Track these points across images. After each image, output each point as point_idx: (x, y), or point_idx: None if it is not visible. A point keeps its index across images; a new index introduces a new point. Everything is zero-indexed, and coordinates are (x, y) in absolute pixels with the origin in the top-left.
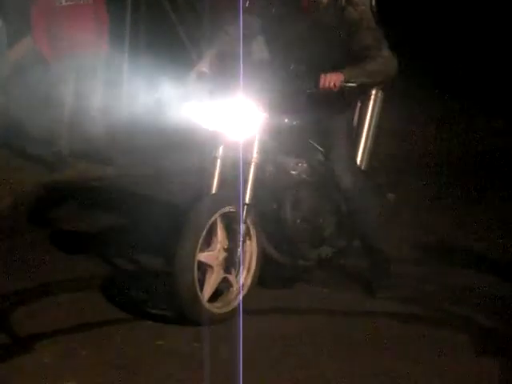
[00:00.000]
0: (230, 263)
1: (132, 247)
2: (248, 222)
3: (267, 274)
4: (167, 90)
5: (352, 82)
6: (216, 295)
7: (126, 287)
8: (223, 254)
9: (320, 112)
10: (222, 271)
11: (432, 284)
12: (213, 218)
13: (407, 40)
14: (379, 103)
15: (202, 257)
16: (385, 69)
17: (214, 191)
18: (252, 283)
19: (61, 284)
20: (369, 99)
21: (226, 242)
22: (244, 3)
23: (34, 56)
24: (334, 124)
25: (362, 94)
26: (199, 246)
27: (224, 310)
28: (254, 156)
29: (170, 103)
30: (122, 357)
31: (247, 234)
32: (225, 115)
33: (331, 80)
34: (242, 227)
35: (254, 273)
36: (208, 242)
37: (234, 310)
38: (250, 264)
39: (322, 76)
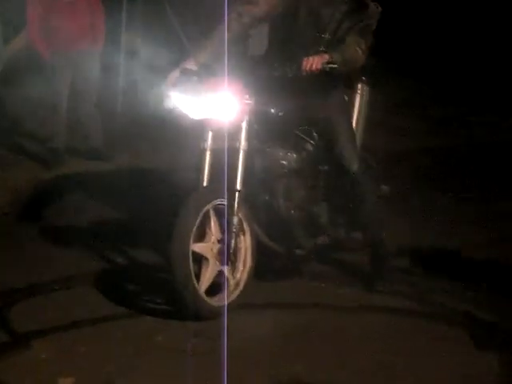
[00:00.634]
0: (225, 256)
1: (129, 243)
2: (241, 216)
3: (264, 267)
4: (162, 85)
5: (333, 63)
6: (214, 290)
7: (124, 282)
8: (217, 246)
9: (309, 98)
10: (217, 263)
11: (430, 279)
12: (205, 209)
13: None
14: (365, 97)
15: (197, 247)
16: (357, 60)
17: (205, 184)
18: (248, 278)
19: (58, 280)
20: (355, 94)
21: (220, 235)
22: None
23: (29, 52)
24: (331, 108)
25: (348, 87)
26: (192, 235)
27: (221, 303)
28: (243, 143)
29: (164, 98)
30: (120, 353)
31: (241, 229)
32: (211, 104)
33: (313, 62)
34: (235, 219)
35: (250, 268)
36: (202, 235)
37: (230, 305)
38: (245, 259)
39: (305, 59)
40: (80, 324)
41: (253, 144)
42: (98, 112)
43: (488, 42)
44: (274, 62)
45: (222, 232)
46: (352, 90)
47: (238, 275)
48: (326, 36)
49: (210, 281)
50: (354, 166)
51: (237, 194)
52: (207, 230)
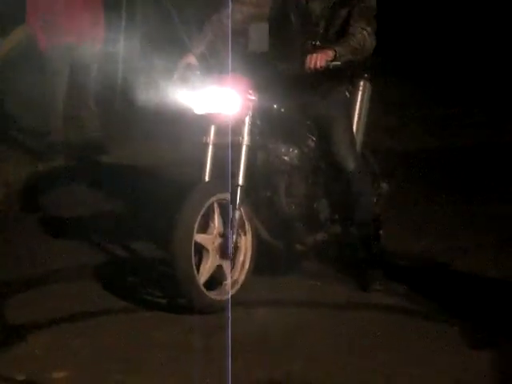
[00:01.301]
0: (225, 251)
1: (128, 236)
2: (242, 211)
3: (263, 263)
4: (161, 79)
5: (337, 60)
6: (213, 286)
7: (122, 276)
8: (219, 240)
9: (311, 95)
10: (217, 257)
11: (427, 278)
12: (210, 201)
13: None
14: (368, 94)
15: (199, 238)
16: (365, 47)
17: (207, 178)
18: (246, 279)
19: (54, 273)
20: (357, 90)
21: (222, 229)
22: None
23: (27, 46)
24: (331, 106)
25: (350, 83)
26: (196, 224)
27: (220, 297)
28: (245, 139)
29: (164, 91)
30: (115, 347)
31: (242, 227)
32: (214, 98)
33: (317, 59)
34: (237, 213)
35: (248, 269)
36: (205, 227)
37: (229, 301)
38: (244, 260)
39: (309, 56)
40: (76, 318)
41: (255, 140)
42: (97, 106)
43: (488, 41)
44: (277, 59)
45: (224, 227)
46: (354, 87)
47: (236, 275)
48: (320, 29)
49: (209, 273)
50: (351, 166)
51: (239, 189)
52: (210, 223)
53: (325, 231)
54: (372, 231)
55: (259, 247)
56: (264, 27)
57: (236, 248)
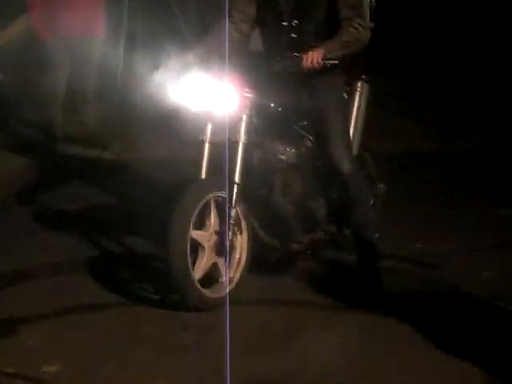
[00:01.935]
0: (221, 248)
1: (124, 231)
2: (238, 210)
3: (258, 261)
4: (160, 75)
5: (333, 59)
6: (208, 283)
7: (117, 271)
8: (215, 238)
9: (306, 94)
10: (213, 254)
11: (423, 280)
12: (207, 198)
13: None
14: (365, 95)
15: (195, 234)
16: (359, 38)
17: (203, 175)
18: (241, 277)
19: (48, 266)
20: (355, 92)
21: (218, 227)
22: None
23: (28, 36)
24: (326, 106)
25: (348, 84)
26: (192, 220)
27: (214, 295)
28: (242, 137)
29: (162, 89)
30: (106, 342)
31: (238, 226)
32: (211, 96)
33: (313, 57)
34: (233, 211)
35: (244, 267)
36: (201, 224)
37: (224, 298)
38: (240, 258)
39: (305, 55)
40: (68, 312)
41: (252, 138)
42: (97, 99)
43: (488, 44)
44: (273, 58)
45: (220, 225)
46: (352, 88)
47: (232, 273)
48: (294, 23)
49: (205, 271)
50: (346, 168)
51: (235, 186)
52: (206, 221)
53: (322, 230)
54: (368, 233)
55: (255, 246)
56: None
57: (232, 246)
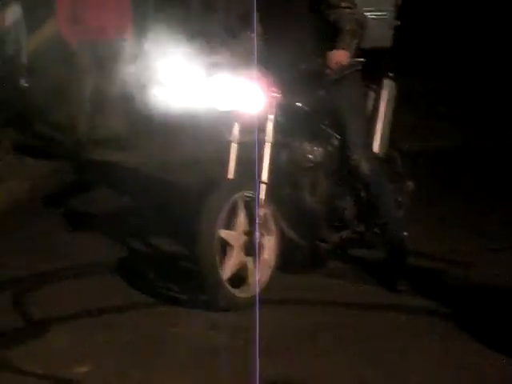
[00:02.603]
0: (250, 249)
1: (151, 232)
2: (268, 214)
3: (286, 261)
4: (187, 76)
5: (359, 59)
6: (237, 284)
7: (144, 271)
8: (243, 238)
9: (329, 93)
10: (242, 254)
11: (451, 279)
12: (235, 197)
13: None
14: (392, 94)
15: (223, 233)
16: (357, 20)
17: (231, 175)
18: (269, 278)
19: (76, 268)
20: (382, 89)
21: (247, 227)
22: None
23: (55, 42)
24: (344, 107)
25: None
26: (221, 218)
27: (242, 295)
28: (269, 136)
29: (189, 89)
30: (135, 343)
31: (267, 228)
32: (238, 96)
33: (339, 57)
34: (261, 211)
35: (272, 268)
36: (230, 224)
37: (252, 298)
38: (268, 259)
39: (331, 53)
40: (96, 313)
41: (279, 137)
42: (123, 102)
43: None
44: (299, 58)
45: (249, 224)
46: (379, 86)
47: (260, 274)
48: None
49: (233, 270)
50: (365, 168)
51: (263, 186)
52: (235, 221)
53: (350, 229)
54: (394, 230)
55: (283, 246)
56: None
57: (260, 247)
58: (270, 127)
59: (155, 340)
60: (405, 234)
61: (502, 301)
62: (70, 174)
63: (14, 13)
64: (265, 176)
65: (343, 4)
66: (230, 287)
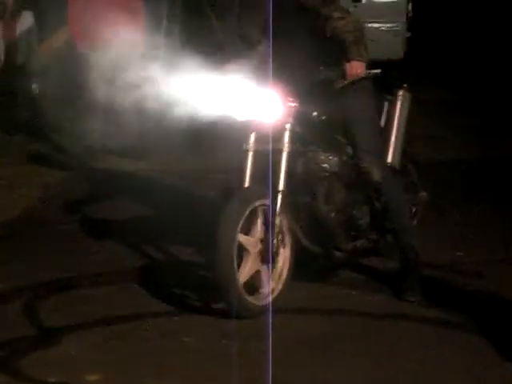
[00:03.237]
0: (266, 257)
1: (164, 240)
2: (283, 224)
3: (300, 269)
4: (202, 86)
5: (375, 70)
6: (250, 291)
7: (157, 280)
8: (260, 245)
9: (340, 102)
10: (257, 261)
11: (462, 289)
12: (253, 205)
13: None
14: (406, 104)
15: (242, 238)
16: (354, 26)
17: (247, 184)
18: (283, 289)
19: (89, 276)
20: (396, 100)
21: (264, 235)
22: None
23: (67, 49)
24: (355, 117)
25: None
26: (240, 223)
27: (257, 302)
28: (286, 145)
29: (205, 98)
30: (148, 352)
31: (282, 240)
32: (255, 105)
33: (357, 67)
34: (277, 219)
35: (286, 279)
36: (248, 231)
37: (266, 307)
38: (282, 270)
39: (347, 64)
40: (110, 321)
41: (295, 147)
42: (136, 111)
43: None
44: (315, 68)
45: (266, 233)
46: (393, 97)
47: (274, 284)
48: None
49: (248, 276)
50: (376, 175)
51: (279, 194)
52: (253, 228)
53: (365, 238)
54: (405, 239)
55: (298, 255)
56: None
57: (275, 258)
58: (286, 136)
59: (168, 349)
60: (414, 243)
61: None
62: (83, 183)
63: (26, 20)
64: (281, 185)
65: (335, 15)
66: (244, 292)
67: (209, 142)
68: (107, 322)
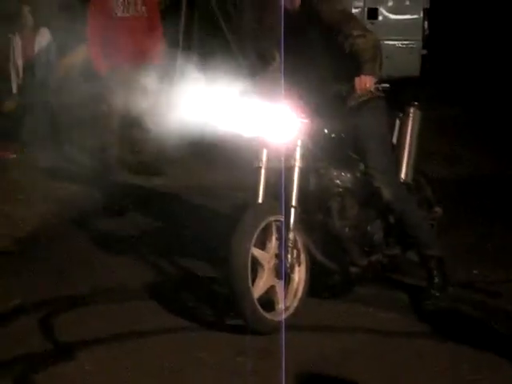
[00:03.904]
0: (280, 272)
1: (180, 255)
2: (298, 242)
3: (315, 285)
4: (216, 103)
5: (385, 84)
6: (265, 307)
7: (173, 295)
8: (274, 260)
9: (352, 119)
10: (272, 276)
11: (480, 308)
12: (268, 220)
13: None
14: (418, 121)
15: (256, 252)
16: (373, 45)
17: (260, 201)
18: (297, 306)
19: (104, 291)
20: (408, 117)
21: (277, 251)
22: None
23: (85, 66)
24: (366, 134)
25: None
26: (254, 236)
27: (271, 318)
28: (298, 161)
29: (218, 115)
30: (162, 367)
31: (297, 259)
32: (266, 122)
33: (366, 81)
34: (291, 234)
35: (301, 297)
36: (263, 246)
37: (281, 323)
38: (297, 289)
39: (357, 79)
40: (124, 336)
41: (307, 163)
42: (152, 127)
43: None
44: (326, 83)
45: (280, 249)
46: (404, 114)
47: (288, 302)
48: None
49: (263, 291)
50: (388, 194)
51: (292, 210)
52: (268, 243)
53: (380, 253)
54: (432, 253)
55: (313, 271)
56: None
57: (290, 276)
58: (298, 153)
59: (182, 365)
60: (441, 254)
61: None
62: (99, 198)
63: (44, 37)
64: (294, 200)
65: (355, 33)
66: (260, 308)
67: (223, 157)
68: (121, 337)
